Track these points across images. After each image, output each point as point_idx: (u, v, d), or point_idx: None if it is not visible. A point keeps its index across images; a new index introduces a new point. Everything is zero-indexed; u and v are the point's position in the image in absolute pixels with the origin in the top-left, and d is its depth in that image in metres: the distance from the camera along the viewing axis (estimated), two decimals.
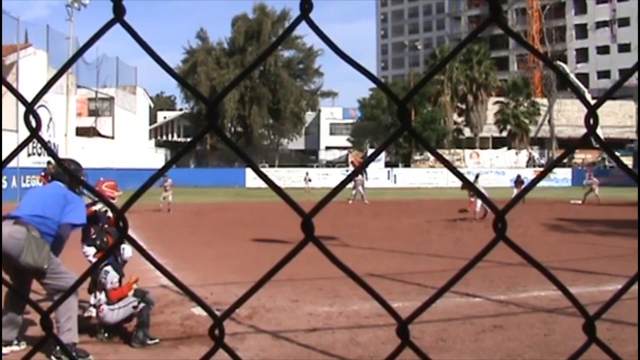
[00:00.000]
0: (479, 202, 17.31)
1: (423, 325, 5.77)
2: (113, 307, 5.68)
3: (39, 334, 5.55)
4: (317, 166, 56.43)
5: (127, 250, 5.92)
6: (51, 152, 1.04)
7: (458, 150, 56.31)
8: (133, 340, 5.53)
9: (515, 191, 23.39)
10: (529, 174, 47.07)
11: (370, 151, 54.48)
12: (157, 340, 5.59)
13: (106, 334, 5.67)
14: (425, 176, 49.15)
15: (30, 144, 17.37)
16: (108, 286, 5.73)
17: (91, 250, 6.33)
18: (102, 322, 5.69)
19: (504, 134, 59.85)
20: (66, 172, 5.37)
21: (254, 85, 56.90)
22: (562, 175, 47.51)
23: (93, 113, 42.10)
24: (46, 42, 31.42)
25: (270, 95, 57.87)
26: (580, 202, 27.07)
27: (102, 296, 5.75)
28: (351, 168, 51.45)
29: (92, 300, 5.83)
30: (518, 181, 24.19)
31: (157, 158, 47.94)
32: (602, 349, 0.96)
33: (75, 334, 5.14)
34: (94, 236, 6.24)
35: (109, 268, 5.78)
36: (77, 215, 5.34)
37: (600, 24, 76.32)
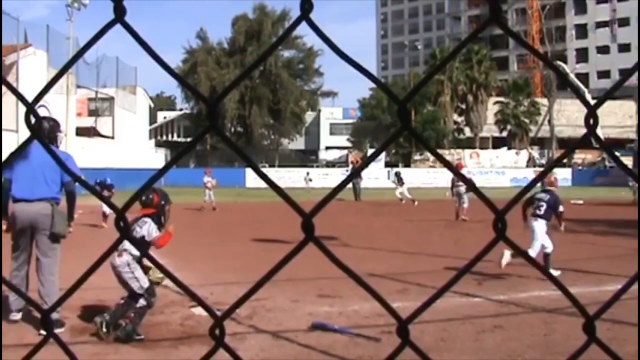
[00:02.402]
0: (465, 201, 17.69)
1: (423, 325, 5.77)
2: (132, 266, 5.64)
3: (39, 334, 5.56)
4: (317, 166, 56.43)
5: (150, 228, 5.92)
6: (51, 152, 1.04)
7: (458, 150, 56.32)
8: (120, 330, 5.51)
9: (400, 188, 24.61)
10: (529, 174, 47.17)
11: (370, 151, 54.49)
12: (142, 337, 5.59)
13: (104, 329, 5.62)
14: (425, 176, 49.10)
15: None
16: (154, 234, 5.79)
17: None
18: (114, 267, 5.63)
19: (504, 134, 59.89)
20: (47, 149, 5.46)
21: (254, 85, 56.89)
22: (562, 175, 47.49)
23: (93, 113, 42.12)
24: (46, 42, 31.46)
25: (271, 95, 57.86)
26: (581, 202, 27.03)
27: (126, 244, 5.60)
28: (351, 168, 51.52)
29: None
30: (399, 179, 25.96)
31: (157, 158, 47.93)
32: (602, 349, 0.96)
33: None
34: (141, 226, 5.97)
35: (147, 219, 5.88)
36: (74, 167, 5.98)
37: (600, 24, 76.36)
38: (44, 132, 6.08)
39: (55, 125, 6.44)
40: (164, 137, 72.88)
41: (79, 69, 35.04)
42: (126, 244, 5.62)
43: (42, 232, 5.94)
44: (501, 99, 59.31)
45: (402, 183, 27.02)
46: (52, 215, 5.93)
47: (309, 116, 66.64)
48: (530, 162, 56.40)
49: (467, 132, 60.40)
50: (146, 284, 5.75)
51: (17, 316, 6.07)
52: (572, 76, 53.64)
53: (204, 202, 22.41)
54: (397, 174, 27.99)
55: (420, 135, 1.03)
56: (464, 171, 20.61)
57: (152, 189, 6.22)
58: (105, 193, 15.42)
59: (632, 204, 25.38)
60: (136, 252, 5.69)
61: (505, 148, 59.82)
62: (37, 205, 5.87)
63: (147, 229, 5.82)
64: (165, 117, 79.48)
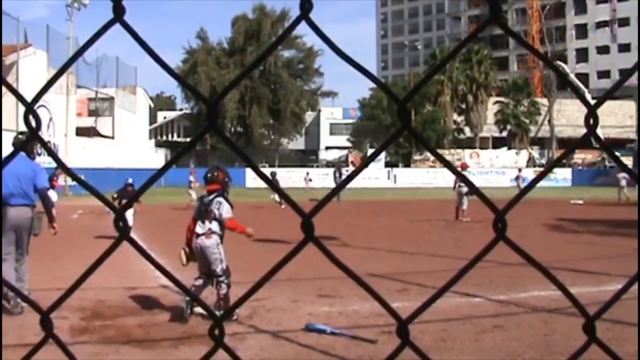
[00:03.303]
0: (465, 202, 17.70)
1: (423, 325, 5.77)
2: (220, 248, 6.24)
3: (39, 334, 5.55)
4: (317, 166, 56.41)
5: (225, 207, 6.32)
6: (51, 152, 1.04)
7: (458, 150, 56.31)
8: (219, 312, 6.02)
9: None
10: (529, 174, 47.19)
11: (370, 151, 54.48)
12: (236, 317, 6.14)
13: (188, 311, 6.03)
14: (425, 176, 49.13)
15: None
16: (225, 215, 6.20)
17: (215, 225, 6.39)
18: (204, 247, 6.21)
19: (504, 134, 59.87)
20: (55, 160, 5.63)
21: (254, 85, 56.87)
22: (562, 175, 47.52)
23: (93, 113, 42.12)
24: (46, 42, 31.42)
25: (270, 95, 57.84)
26: (581, 202, 27.08)
27: (212, 225, 6.24)
28: (351, 168, 51.46)
29: (199, 229, 6.27)
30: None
31: (157, 158, 47.92)
32: (602, 349, 0.96)
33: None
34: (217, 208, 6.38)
35: (221, 199, 6.28)
36: (44, 177, 7.04)
37: (600, 24, 76.33)
38: (39, 131, 6.55)
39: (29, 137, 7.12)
40: (164, 137, 72.86)
41: (79, 69, 35.03)
42: (213, 226, 6.27)
43: (24, 233, 6.89)
44: (501, 99, 59.31)
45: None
46: (32, 218, 6.96)
47: (309, 116, 66.59)
48: (530, 162, 56.39)
49: (467, 132, 60.39)
50: (226, 266, 6.29)
51: (20, 308, 6.48)
52: (572, 76, 53.64)
53: (191, 202, 22.69)
54: (273, 174, 26.09)
55: (420, 135, 1.03)
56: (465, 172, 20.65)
57: (215, 166, 6.79)
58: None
59: (620, 204, 25.68)
60: (220, 232, 6.29)
61: (505, 148, 59.82)
62: (21, 210, 6.83)
63: (225, 209, 6.27)
64: (165, 117, 79.45)
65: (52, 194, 20.64)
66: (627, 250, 10.58)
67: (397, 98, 0.88)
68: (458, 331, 5.96)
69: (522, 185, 30.71)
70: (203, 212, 6.34)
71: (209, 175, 6.54)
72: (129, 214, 12.10)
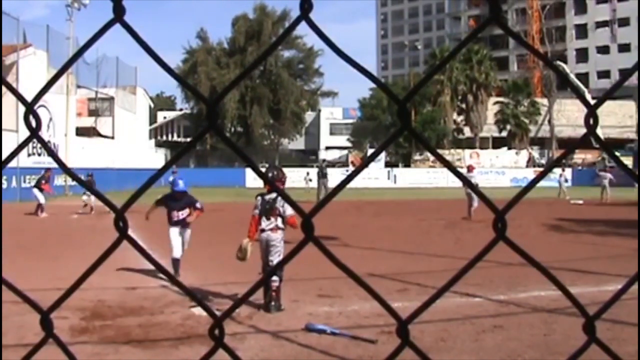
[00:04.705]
0: (475, 203, 17.67)
1: (423, 325, 5.77)
2: (283, 244, 6.84)
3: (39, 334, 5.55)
4: (317, 166, 56.36)
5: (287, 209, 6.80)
6: (51, 152, 1.04)
7: (458, 150, 56.29)
8: (272, 309, 6.56)
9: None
10: (529, 174, 47.12)
11: (370, 151, 54.44)
12: (284, 308, 6.71)
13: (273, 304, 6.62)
14: (425, 176, 49.10)
15: (30, 144, 17.28)
16: (288, 213, 6.71)
17: (280, 221, 6.93)
18: (269, 240, 6.78)
19: (504, 134, 59.82)
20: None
21: (254, 85, 56.86)
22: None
23: (93, 113, 42.06)
24: (46, 42, 31.37)
25: (271, 95, 57.81)
26: (581, 202, 27.09)
27: (278, 221, 6.80)
28: (351, 168, 51.40)
29: (264, 225, 6.81)
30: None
31: (157, 158, 47.89)
32: (602, 349, 0.96)
33: None
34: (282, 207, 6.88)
35: None
36: None
37: (600, 24, 76.33)
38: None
39: None
40: (164, 137, 72.83)
41: (79, 69, 34.95)
42: (279, 222, 6.83)
43: None
44: (501, 99, 59.26)
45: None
46: None
47: (309, 116, 66.57)
48: (530, 162, 56.37)
49: (467, 132, 60.35)
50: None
51: None
52: (572, 76, 53.60)
53: None
54: (89, 175, 22.58)
55: (420, 135, 1.03)
56: (471, 175, 20.38)
57: (275, 166, 7.25)
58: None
59: (601, 204, 25.81)
60: (283, 227, 6.88)
61: (505, 148, 59.78)
62: None
63: (289, 208, 6.72)
64: (165, 117, 79.42)
65: (39, 196, 20.44)
66: (627, 251, 10.59)
67: (397, 98, 0.88)
68: (458, 331, 5.97)
69: (565, 183, 31.07)
70: (268, 209, 6.83)
71: (270, 175, 6.91)
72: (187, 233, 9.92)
